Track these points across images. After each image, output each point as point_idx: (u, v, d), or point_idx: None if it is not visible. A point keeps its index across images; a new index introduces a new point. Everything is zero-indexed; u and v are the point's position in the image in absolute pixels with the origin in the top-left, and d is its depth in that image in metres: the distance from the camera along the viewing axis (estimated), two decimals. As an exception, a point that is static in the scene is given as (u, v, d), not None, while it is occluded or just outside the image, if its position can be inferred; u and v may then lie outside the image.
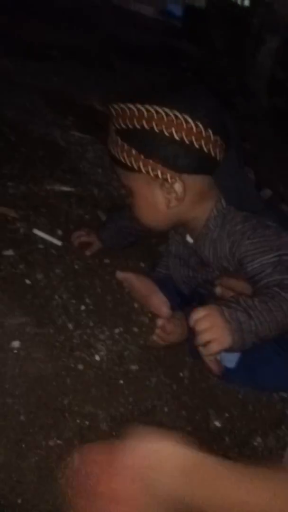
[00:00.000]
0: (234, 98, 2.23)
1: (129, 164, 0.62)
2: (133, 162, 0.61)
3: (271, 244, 0.62)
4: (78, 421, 0.60)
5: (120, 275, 0.84)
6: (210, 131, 0.60)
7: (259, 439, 0.66)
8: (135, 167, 0.62)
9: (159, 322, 0.73)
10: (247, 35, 2.65)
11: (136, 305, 0.83)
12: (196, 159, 0.61)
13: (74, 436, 0.58)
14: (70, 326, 0.74)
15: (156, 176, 0.61)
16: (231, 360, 0.71)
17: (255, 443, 0.65)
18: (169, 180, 0.61)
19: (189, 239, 0.72)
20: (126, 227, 0.86)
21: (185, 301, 0.82)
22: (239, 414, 0.68)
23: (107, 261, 0.91)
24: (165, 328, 0.72)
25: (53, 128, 1.48)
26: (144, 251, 0.97)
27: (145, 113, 0.59)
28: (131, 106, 0.60)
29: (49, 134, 1.43)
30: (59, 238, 0.93)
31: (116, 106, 0.62)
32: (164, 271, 0.81)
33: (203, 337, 0.56)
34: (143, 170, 0.61)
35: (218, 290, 0.72)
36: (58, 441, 0.57)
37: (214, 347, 0.56)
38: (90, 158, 1.34)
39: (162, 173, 0.61)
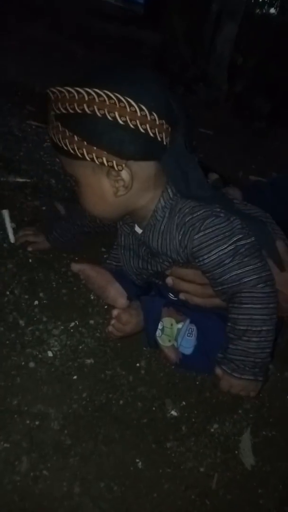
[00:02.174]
0: (196, 85, 2.21)
1: (71, 151, 0.58)
2: (76, 149, 0.58)
3: (224, 232, 0.60)
4: (27, 421, 0.58)
5: (75, 267, 0.81)
6: (155, 115, 0.57)
7: (216, 426, 0.65)
8: (79, 154, 0.58)
9: (114, 312, 0.71)
10: (206, 22, 2.63)
11: (92, 297, 0.81)
12: (143, 145, 0.58)
13: (22, 438, 0.56)
14: (22, 322, 0.72)
15: (102, 163, 0.58)
16: (187, 347, 0.71)
17: (212, 430, 0.64)
18: (116, 167, 0.58)
19: (138, 229, 0.70)
20: (77, 224, 0.83)
21: (143, 290, 0.81)
22: (196, 402, 0.68)
23: (64, 254, 0.88)
24: (121, 318, 0.70)
25: (8, 119, 1.42)
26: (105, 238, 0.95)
27: (86, 96, 0.56)
28: (70, 89, 0.57)
29: (4, 124, 1.37)
30: (13, 231, 0.90)
31: (54, 90, 0.58)
32: (115, 262, 0.79)
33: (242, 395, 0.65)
34: (87, 157, 0.57)
35: (169, 281, 0.71)
36: (5, 445, 0.55)
37: (253, 394, 0.65)
38: (47, 148, 1.29)
39: (107, 161, 0.57)
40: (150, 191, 0.63)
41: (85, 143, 0.57)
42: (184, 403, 0.67)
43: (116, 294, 0.77)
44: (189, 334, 0.71)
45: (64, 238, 0.86)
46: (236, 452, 0.63)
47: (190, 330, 0.71)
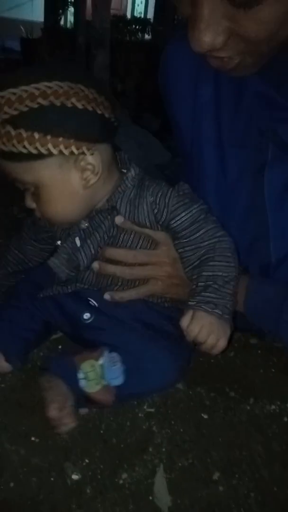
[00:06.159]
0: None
1: (34, 151, 0.56)
2: (40, 147, 0.56)
3: (192, 197, 0.68)
4: None
5: None
6: (103, 97, 0.60)
7: (124, 475, 0.59)
8: (43, 151, 0.56)
9: None
10: (76, 54, 2.70)
11: None
12: (102, 126, 0.60)
13: None
14: None
15: (71, 153, 0.58)
16: (116, 376, 0.64)
17: (121, 482, 0.58)
18: (87, 152, 0.59)
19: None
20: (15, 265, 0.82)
21: (31, 344, 0.75)
22: (101, 454, 0.61)
23: None
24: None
25: None
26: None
27: (36, 91, 0.55)
28: (14, 90, 0.55)
29: None
30: None
31: None
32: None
33: (207, 343, 0.61)
34: (54, 151, 0.57)
35: (95, 265, 0.69)
36: None
37: (222, 343, 0.61)
38: None
39: (77, 148, 0.58)
40: (110, 179, 0.66)
41: (49, 137, 0.56)
42: (87, 460, 0.60)
43: None
44: (113, 364, 0.65)
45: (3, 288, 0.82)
46: (151, 497, 0.56)
47: (112, 358, 0.65)
